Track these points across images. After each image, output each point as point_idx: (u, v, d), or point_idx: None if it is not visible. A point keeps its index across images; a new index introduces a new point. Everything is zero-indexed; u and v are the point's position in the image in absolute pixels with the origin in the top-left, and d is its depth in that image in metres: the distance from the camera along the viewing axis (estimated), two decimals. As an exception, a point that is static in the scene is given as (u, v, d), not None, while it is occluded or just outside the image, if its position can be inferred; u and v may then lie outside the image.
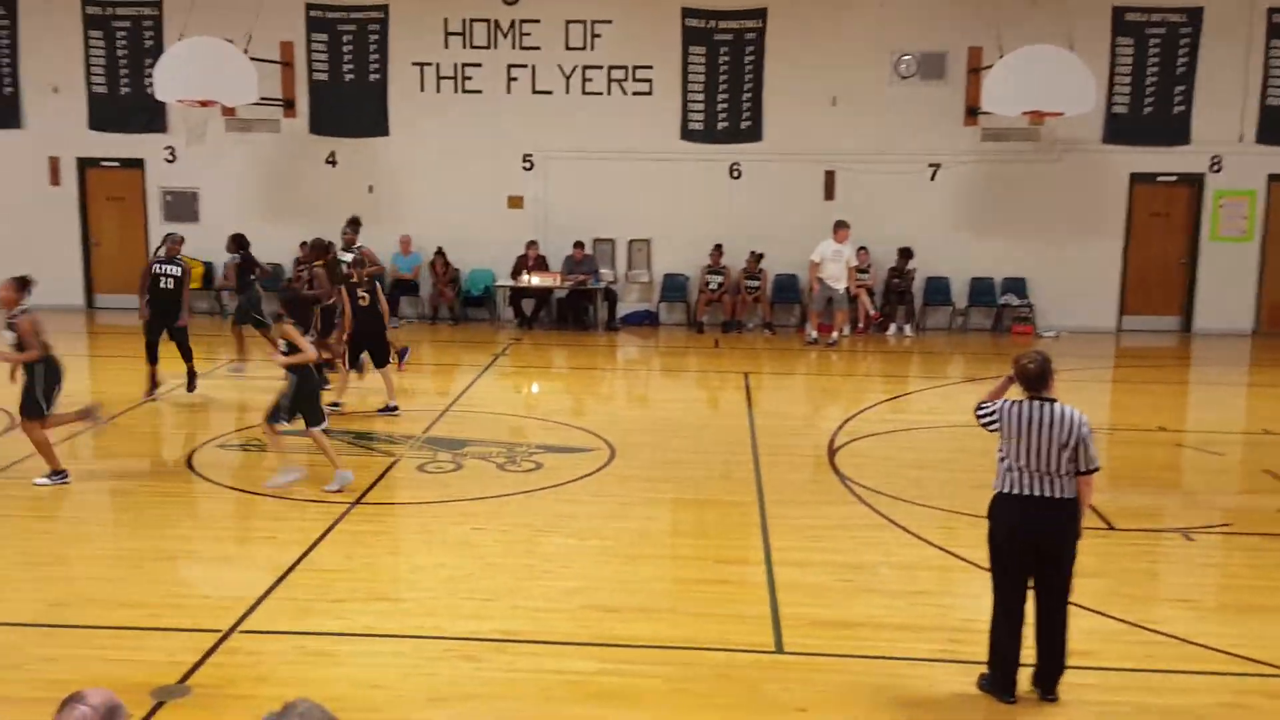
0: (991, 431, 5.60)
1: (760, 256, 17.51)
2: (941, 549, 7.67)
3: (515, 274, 17.66)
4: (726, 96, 17.72)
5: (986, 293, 17.84)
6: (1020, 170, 17.44)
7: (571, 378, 15.05)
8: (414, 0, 17.72)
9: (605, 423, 11.35)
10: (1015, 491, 5.44)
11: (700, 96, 17.74)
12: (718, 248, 17.56)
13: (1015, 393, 5.63)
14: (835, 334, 16.44)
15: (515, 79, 17.80)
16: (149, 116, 17.87)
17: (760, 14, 17.47)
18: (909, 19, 17.28)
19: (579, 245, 17.48)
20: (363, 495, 8.75)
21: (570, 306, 17.85)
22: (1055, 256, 17.60)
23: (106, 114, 18.20)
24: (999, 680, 5.56)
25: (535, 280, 17.49)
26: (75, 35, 18.04)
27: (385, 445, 10.29)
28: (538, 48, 17.72)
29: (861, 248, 17.12)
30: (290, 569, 7.14)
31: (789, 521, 8.24)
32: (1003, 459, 5.51)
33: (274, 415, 8.85)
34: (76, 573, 7.28)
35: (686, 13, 17.53)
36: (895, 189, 17.49)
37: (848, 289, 16.54)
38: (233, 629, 6.21)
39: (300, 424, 8.92)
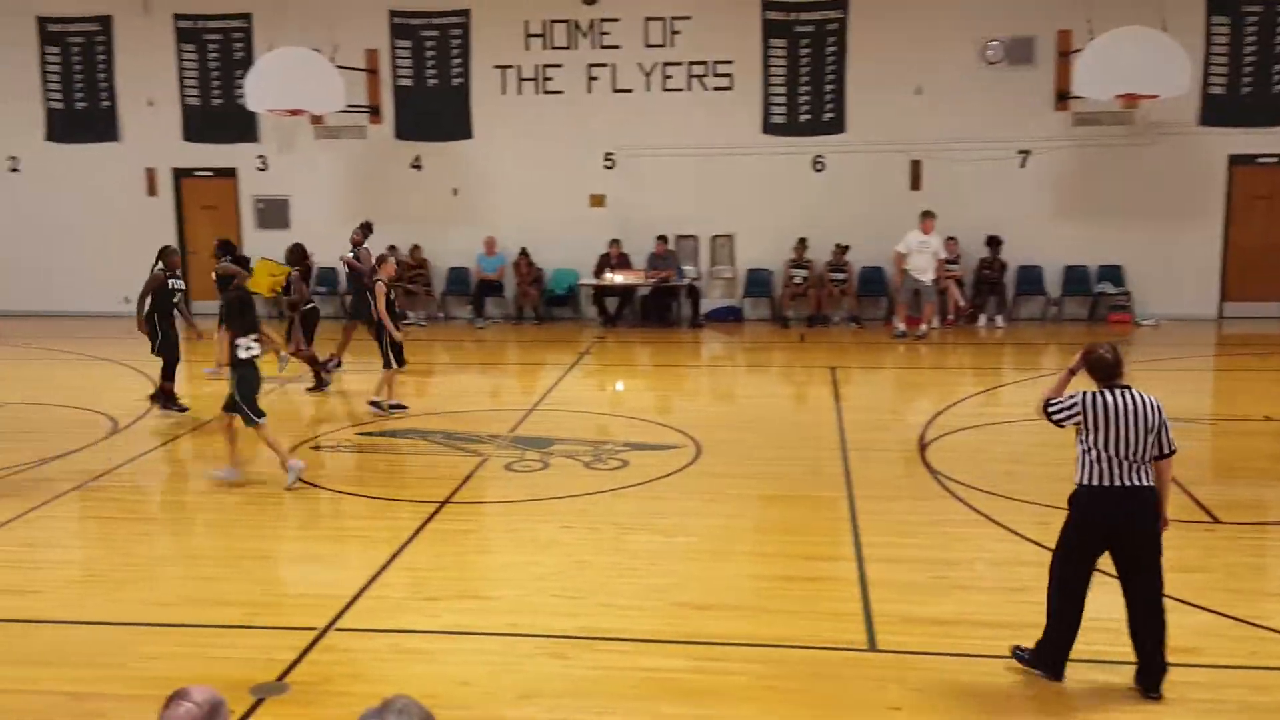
0: (1070, 425, 5.47)
1: (845, 249, 17.30)
2: (1037, 544, 7.47)
3: (598, 272, 17.72)
4: (808, 88, 17.54)
5: (1081, 281, 17.39)
6: (1114, 155, 16.96)
7: (656, 375, 15.05)
8: (494, 4, 17.87)
9: (691, 420, 11.31)
10: (1106, 483, 5.33)
11: (782, 89, 17.59)
12: (802, 241, 17.40)
13: (1079, 384, 5.51)
14: (924, 326, 16.19)
15: (595, 78, 17.85)
16: (241, 127, 18.34)
17: (842, 4, 17.26)
18: (995, 3, 16.92)
19: (661, 239, 17.47)
20: (451, 494, 8.86)
21: (654, 304, 17.85)
22: (1152, 242, 17.07)
23: (200, 125, 18.73)
24: (1048, 657, 5.51)
25: (618, 278, 17.53)
26: (168, 50, 18.57)
27: (473, 445, 10.39)
28: (617, 46, 17.75)
29: (951, 238, 16.81)
30: (382, 568, 7.24)
31: (880, 517, 8.13)
32: (1086, 450, 5.38)
33: (247, 419, 9.08)
34: (176, 573, 7.48)
35: (766, 5, 17.40)
36: (983, 177, 17.13)
37: (935, 280, 16.29)
38: (328, 627, 6.32)
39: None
